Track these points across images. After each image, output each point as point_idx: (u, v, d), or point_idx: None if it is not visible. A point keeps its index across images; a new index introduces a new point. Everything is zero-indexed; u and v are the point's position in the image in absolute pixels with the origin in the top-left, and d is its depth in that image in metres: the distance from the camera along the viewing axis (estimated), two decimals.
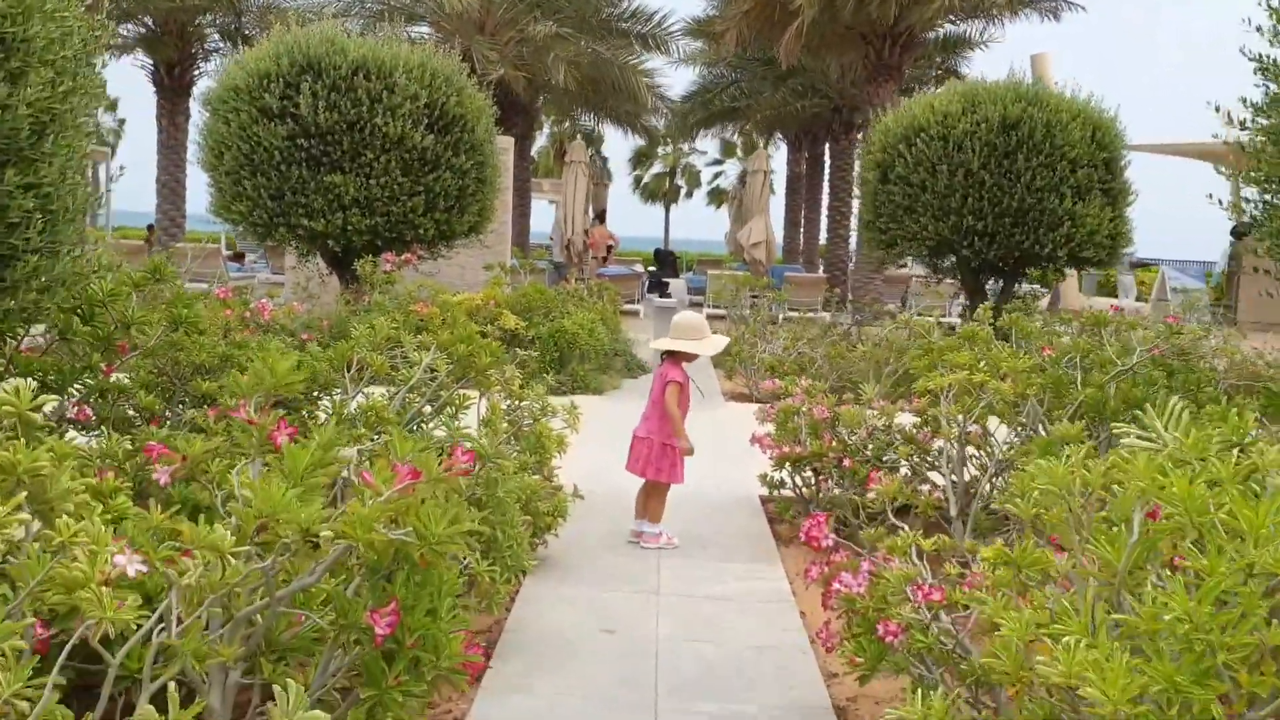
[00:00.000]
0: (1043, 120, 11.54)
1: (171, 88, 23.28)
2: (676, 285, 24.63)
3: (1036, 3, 20.37)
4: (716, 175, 51.82)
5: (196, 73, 23.64)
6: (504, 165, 14.13)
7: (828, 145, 26.82)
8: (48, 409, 2.71)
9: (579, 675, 3.84)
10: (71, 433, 4.09)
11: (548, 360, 10.02)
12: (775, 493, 6.09)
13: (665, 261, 27.30)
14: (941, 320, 13.26)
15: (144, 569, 2.11)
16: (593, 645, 4.10)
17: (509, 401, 5.69)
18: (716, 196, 50.44)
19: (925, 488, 4.69)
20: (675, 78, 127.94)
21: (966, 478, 5.34)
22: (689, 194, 53.29)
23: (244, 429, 2.85)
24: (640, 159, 51.44)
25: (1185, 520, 2.00)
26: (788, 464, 5.67)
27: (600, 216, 19.71)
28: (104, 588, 2.03)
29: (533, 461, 5.28)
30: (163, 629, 2.22)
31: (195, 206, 21.49)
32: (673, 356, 5.49)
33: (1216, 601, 1.82)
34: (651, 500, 5.46)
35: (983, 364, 5.38)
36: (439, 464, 2.56)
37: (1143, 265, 27.19)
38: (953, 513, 4.99)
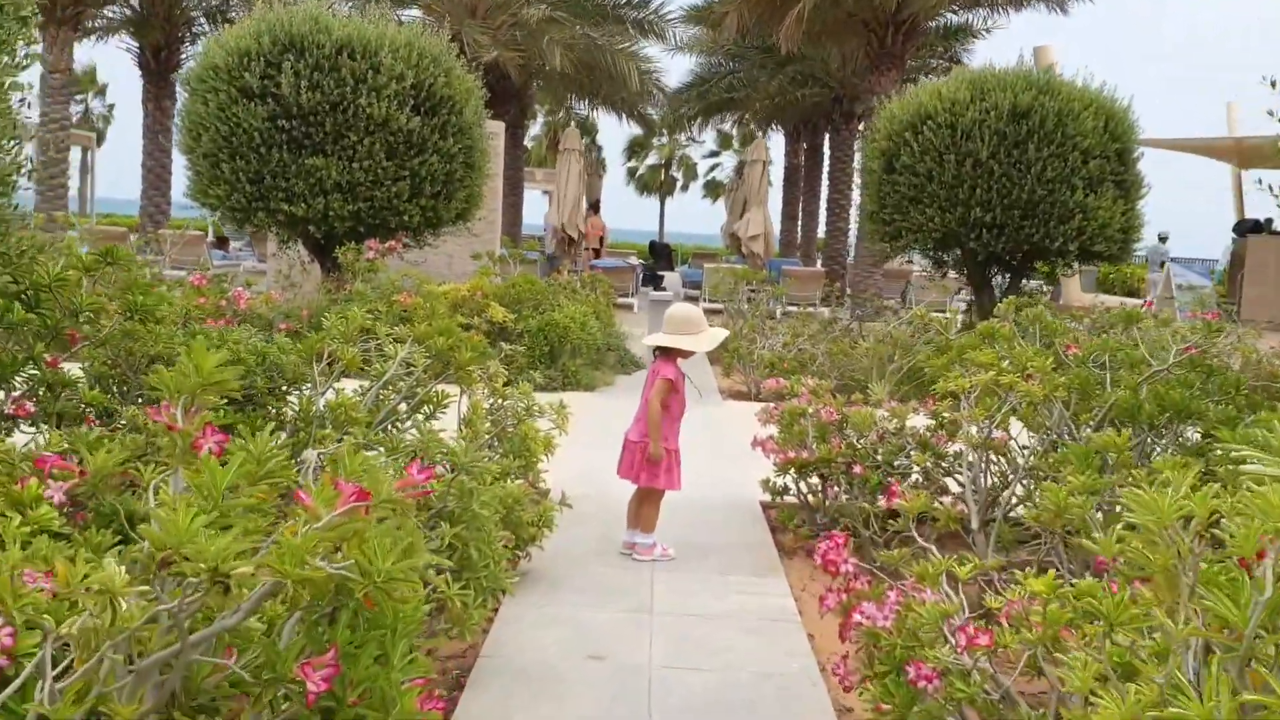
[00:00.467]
0: (1054, 109, 11.13)
1: (158, 71, 22.80)
2: (672, 278, 24.18)
3: None
4: (713, 167, 51.38)
5: (183, 56, 23.15)
6: (494, 150, 13.66)
7: (827, 136, 26.36)
8: None
9: (562, 709, 3.41)
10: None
11: (537, 355, 9.58)
12: (778, 499, 5.67)
13: (660, 254, 26.86)
14: (934, 315, 12.83)
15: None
16: (579, 673, 3.67)
17: (492, 400, 5.26)
18: (713, 189, 49.97)
19: (947, 499, 4.27)
20: (672, 66, 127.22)
21: (987, 484, 4.92)
22: (685, 186, 52.84)
23: (165, 434, 2.41)
24: (635, 150, 50.97)
25: None
26: (792, 469, 5.24)
27: (595, 207, 19.23)
28: None
29: (516, 466, 4.85)
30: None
31: (181, 192, 21.04)
32: (667, 353, 5.05)
33: None
34: (644, 508, 5.03)
35: (1006, 363, 4.96)
36: (393, 481, 2.12)
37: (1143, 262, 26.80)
38: (974, 524, 4.57)
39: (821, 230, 25.60)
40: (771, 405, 5.64)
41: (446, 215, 11.85)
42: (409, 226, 11.67)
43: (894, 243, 12.33)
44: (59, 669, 1.82)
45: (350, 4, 19.13)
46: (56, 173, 19.95)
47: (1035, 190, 11.04)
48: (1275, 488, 1.62)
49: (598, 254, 19.07)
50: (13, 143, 4.06)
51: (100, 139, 49.17)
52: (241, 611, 2.01)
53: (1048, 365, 4.74)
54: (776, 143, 31.68)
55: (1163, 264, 21.87)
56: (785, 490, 5.59)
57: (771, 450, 5.30)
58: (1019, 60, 12.20)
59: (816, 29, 17.72)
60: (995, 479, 5.03)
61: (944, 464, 5.28)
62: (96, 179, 30.39)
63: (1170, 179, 12.17)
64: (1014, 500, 4.75)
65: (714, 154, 50.49)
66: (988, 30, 22.22)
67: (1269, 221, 23.38)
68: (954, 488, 5.53)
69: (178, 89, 17.78)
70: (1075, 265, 12.42)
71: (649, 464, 4.96)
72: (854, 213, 19.97)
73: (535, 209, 29.42)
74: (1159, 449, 5.10)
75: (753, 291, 13.83)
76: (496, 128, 15.13)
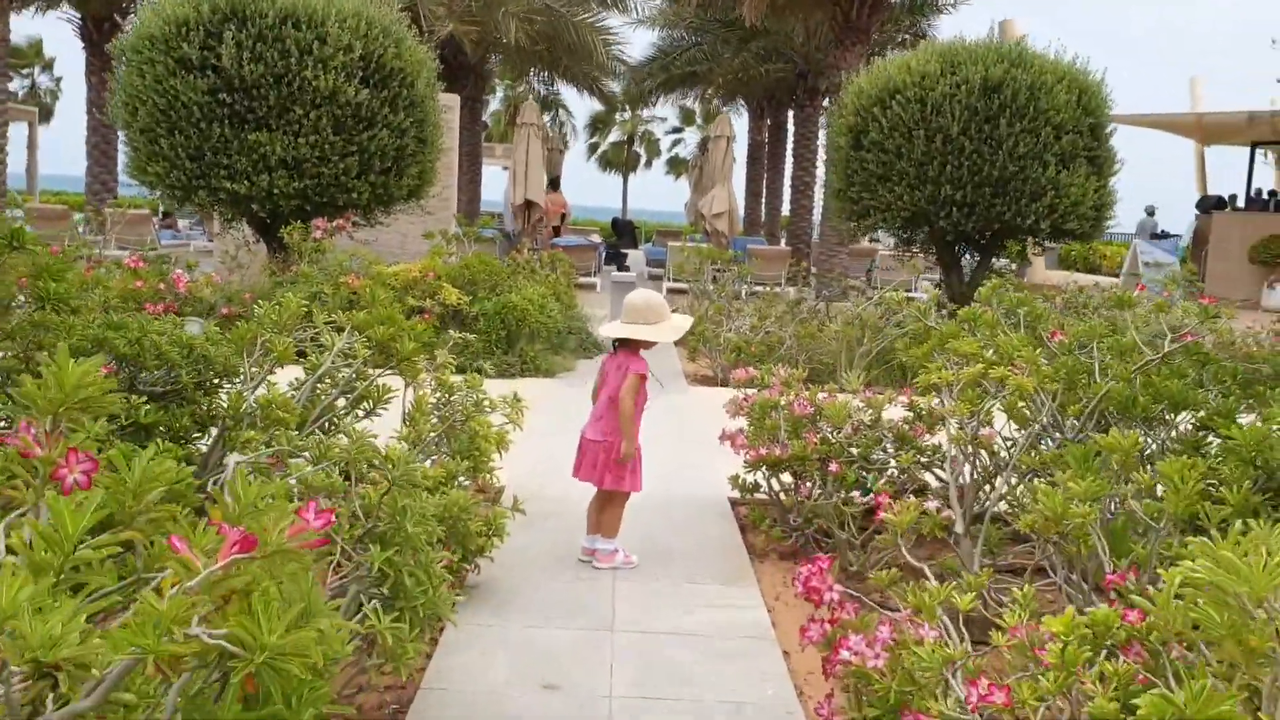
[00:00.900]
0: (1026, 83, 10.82)
1: (100, 43, 21.96)
2: (635, 257, 23.76)
3: None
4: (676, 143, 50.89)
5: (127, 27, 22.32)
6: (448, 125, 13.17)
7: (791, 112, 25.96)
8: None
9: None
10: None
11: (493, 339, 9.15)
12: (748, 495, 5.32)
13: (624, 232, 26.43)
14: (910, 297, 12.53)
15: None
16: (531, 707, 3.29)
17: (438, 394, 4.86)
18: (676, 166, 49.51)
19: (931, 505, 3.93)
20: (634, 39, 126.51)
21: (967, 478, 4.59)
22: (648, 163, 52.35)
23: (18, 461, 2.00)
24: (598, 126, 50.36)
25: None
26: (764, 467, 4.88)
27: (554, 183, 18.71)
28: None
29: (465, 468, 4.46)
30: None
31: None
32: (626, 344, 4.66)
33: None
34: (607, 512, 4.66)
35: (990, 352, 4.62)
36: (287, 524, 1.73)
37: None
38: (959, 528, 4.23)
39: (786, 208, 25.26)
40: (740, 396, 5.27)
41: (398, 192, 11.38)
42: (358, 204, 11.20)
43: (861, 221, 11.99)
44: None
45: None
46: None
47: (1007, 167, 10.73)
48: None
49: (557, 231, 18.57)
50: None
51: (47, 114, 47.85)
52: (95, 695, 1.61)
53: (1037, 356, 4.40)
54: (740, 120, 31.28)
55: (1152, 236, 21.73)
56: (756, 487, 5.23)
57: (741, 446, 4.94)
58: (990, 32, 11.88)
59: (781, 2, 17.31)
60: (978, 474, 4.71)
61: (923, 458, 4.95)
62: (43, 156, 29.45)
63: (1134, 156, 11.86)
64: (999, 499, 4.42)
65: (677, 130, 50.01)
66: (953, 4, 21.91)
67: (1233, 198, 23.35)
68: (932, 481, 5.21)
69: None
70: (1045, 244, 12.17)
71: (615, 466, 4.58)
72: (819, 191, 19.64)
73: (495, 186, 28.85)
74: (1151, 442, 4.81)
75: (718, 271, 13.46)
76: (451, 101, 14.62)
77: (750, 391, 5.27)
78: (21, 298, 4.37)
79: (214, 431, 4.34)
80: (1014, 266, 12.73)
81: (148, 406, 4.12)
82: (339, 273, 9.83)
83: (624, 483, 4.60)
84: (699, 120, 44.59)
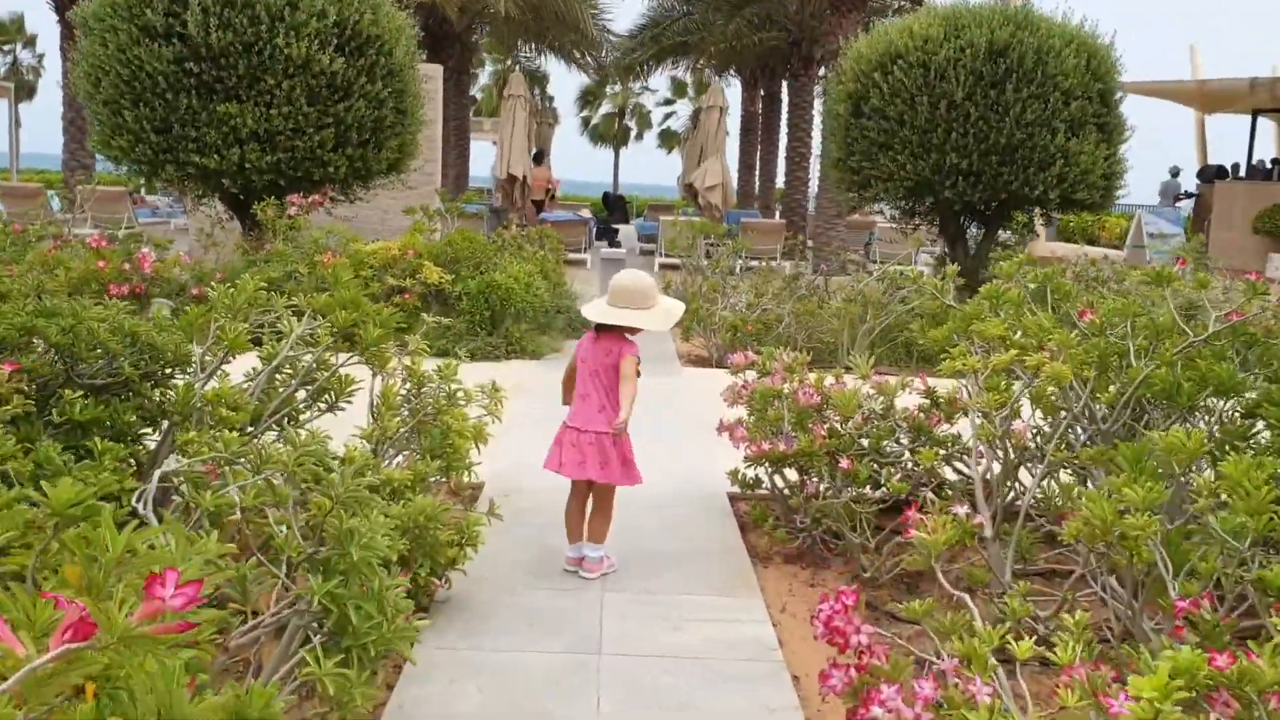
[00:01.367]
0: (1033, 46, 10.33)
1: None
2: (626, 232, 23.24)
3: None
4: (667, 116, 50.16)
5: None
6: (430, 95, 12.64)
7: (785, 82, 25.35)
8: None
9: None
10: None
11: (477, 320, 8.68)
12: (749, 491, 4.88)
13: (614, 206, 25.88)
14: (904, 270, 12.07)
15: None
16: None
17: (408, 385, 4.41)
18: (668, 139, 48.82)
19: (961, 510, 3.46)
20: (622, 9, 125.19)
21: (993, 472, 4.16)
22: (639, 136, 51.62)
23: None
24: (588, 99, 49.63)
25: None
26: (766, 462, 4.44)
27: (539, 157, 18.11)
28: None
29: (436, 468, 4.01)
30: None
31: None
32: (613, 329, 4.19)
33: None
34: (599, 515, 4.20)
35: (1018, 334, 4.18)
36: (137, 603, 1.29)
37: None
38: (988, 532, 3.79)
39: (780, 181, 24.73)
40: (739, 383, 4.82)
41: (377, 166, 10.88)
42: (335, 179, 10.70)
43: (862, 192, 11.51)
44: None
45: None
46: None
47: (1014, 134, 10.26)
48: None
49: (541, 206, 17.98)
50: None
51: (30, 91, 47.00)
52: None
53: (1071, 340, 3.95)
54: (733, 91, 30.67)
55: (1176, 199, 21.16)
56: (758, 483, 4.80)
57: (741, 439, 4.49)
58: None
59: None
60: (1002, 468, 4.27)
61: (942, 450, 4.51)
62: (27, 134, 28.81)
63: (1136, 123, 11.34)
64: (1030, 499, 3.98)
65: (669, 102, 49.28)
66: None
67: (1235, 167, 22.87)
68: (949, 475, 4.78)
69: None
70: (1052, 216, 11.71)
71: (625, 456, 4.16)
72: (814, 162, 19.13)
73: (484, 162, 28.29)
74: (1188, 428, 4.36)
75: (711, 246, 12.99)
76: (433, 70, 14.07)
77: (749, 377, 4.83)
78: None
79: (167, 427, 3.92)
80: (1015, 240, 12.28)
81: (86, 402, 3.68)
82: (315, 251, 9.35)
83: (627, 476, 4.15)
84: (691, 93, 43.92)
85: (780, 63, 24.91)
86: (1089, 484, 4.49)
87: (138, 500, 2.78)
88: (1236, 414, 4.27)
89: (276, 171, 10.15)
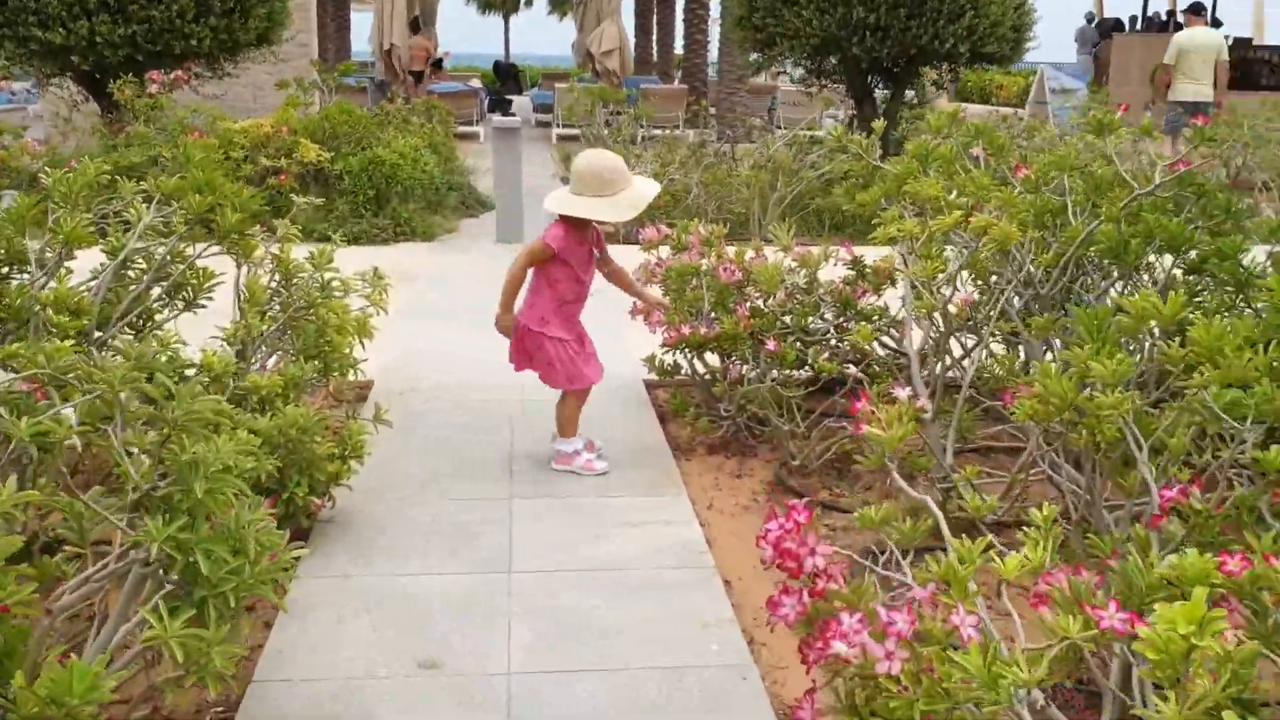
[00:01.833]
0: None
1: None
2: (521, 103, 22.27)
3: None
4: None
5: None
6: None
7: None
8: None
9: None
10: None
11: (361, 200, 8.03)
12: (667, 377, 4.51)
13: (507, 76, 24.81)
14: (813, 134, 11.66)
15: None
16: (400, 707, 2.47)
17: (276, 277, 3.88)
18: (559, 4, 46.96)
19: (903, 393, 3.11)
20: None
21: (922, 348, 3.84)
22: (529, 2, 49.58)
23: None
24: None
25: None
26: (687, 347, 4.05)
27: (415, 25, 16.90)
28: None
29: (312, 370, 3.53)
30: None
31: None
32: (572, 217, 3.73)
33: None
34: (559, 405, 3.96)
35: (954, 195, 3.80)
36: None
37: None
38: (928, 415, 3.47)
39: (679, 45, 23.85)
40: (652, 260, 4.39)
41: (244, 37, 9.98)
42: (199, 53, 9.79)
43: (766, 51, 10.98)
44: None
45: None
46: None
47: None
48: None
49: (420, 78, 16.88)
50: None
51: None
52: None
53: (1015, 198, 3.60)
54: None
55: (1094, 45, 20.90)
56: (676, 369, 4.42)
57: (658, 323, 4.08)
58: None
59: None
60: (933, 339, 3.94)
61: (870, 323, 4.17)
62: None
63: None
64: (972, 374, 3.66)
65: None
66: None
67: (1132, 20, 22.74)
68: (878, 349, 4.45)
69: None
70: (959, 71, 11.35)
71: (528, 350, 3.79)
72: (714, 25, 18.38)
73: (367, 33, 26.71)
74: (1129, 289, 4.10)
75: (611, 114, 12.36)
76: None
77: (663, 254, 4.40)
78: None
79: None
80: (918, 100, 11.92)
81: None
82: (180, 132, 8.54)
83: (555, 377, 3.80)
84: None
85: None
86: (1021, 352, 4.22)
87: None
88: (1178, 271, 4.01)
89: (132, 45, 9.20)
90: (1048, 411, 2.62)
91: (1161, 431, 2.61)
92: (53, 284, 3.43)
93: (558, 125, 15.94)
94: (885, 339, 4.35)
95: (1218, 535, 2.22)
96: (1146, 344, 3.32)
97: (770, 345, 3.82)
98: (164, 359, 3.20)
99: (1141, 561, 1.99)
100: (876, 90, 11.42)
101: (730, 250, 4.25)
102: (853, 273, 4.25)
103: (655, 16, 26.96)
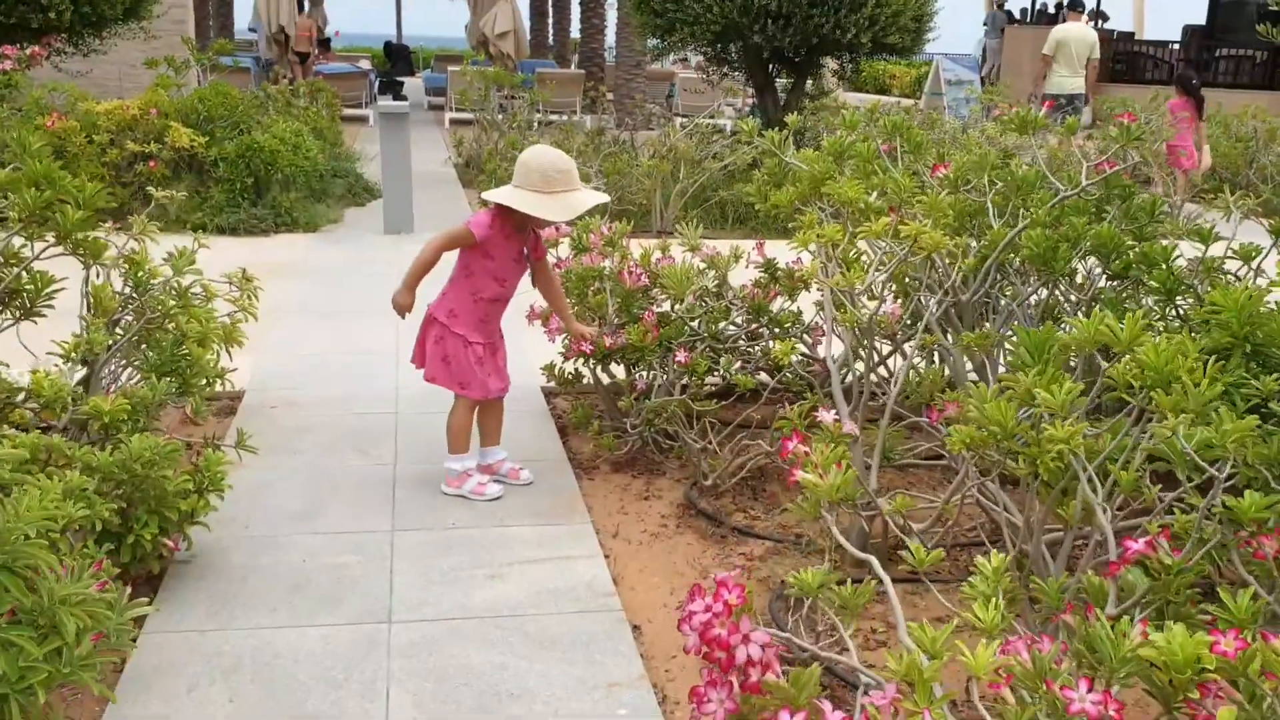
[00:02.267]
0: None
1: None
2: (413, 85, 21.61)
3: None
4: None
5: None
6: None
7: None
8: None
9: None
10: None
11: (238, 189, 7.50)
12: (568, 387, 4.19)
13: (398, 57, 24.05)
14: (714, 124, 11.43)
15: None
16: None
17: (128, 282, 3.44)
18: None
19: (829, 416, 2.85)
20: None
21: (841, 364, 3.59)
22: None
23: None
24: None
25: None
26: (589, 359, 3.73)
27: (301, 3, 16.15)
28: None
29: (165, 390, 3.12)
30: None
31: None
32: (505, 210, 3.36)
33: None
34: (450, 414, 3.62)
35: (875, 196, 3.56)
36: None
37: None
38: (849, 427, 3.21)
39: (575, 29, 23.41)
40: (551, 261, 4.05)
41: (110, 11, 9.29)
42: (58, 27, 9.06)
43: (667, 37, 10.66)
44: None
45: None
46: None
47: None
48: None
49: (305, 58, 16.16)
50: None
51: None
52: None
53: (942, 201, 3.36)
54: None
55: (1002, 30, 21.09)
56: (577, 377, 4.10)
57: (557, 330, 3.75)
58: None
59: None
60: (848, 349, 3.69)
61: (792, 338, 3.92)
62: None
63: None
64: (898, 392, 3.42)
65: None
66: None
67: (1024, 13, 23.10)
68: (793, 359, 4.19)
69: None
70: (860, 61, 11.23)
71: (441, 351, 3.45)
72: (610, 9, 18.03)
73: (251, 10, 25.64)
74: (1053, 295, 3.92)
75: (506, 99, 11.93)
76: None
77: (562, 253, 4.07)
78: None
79: None
80: (817, 91, 11.77)
81: None
82: (36, 113, 7.88)
83: (441, 375, 3.46)
84: None
85: None
86: (937, 361, 4.02)
87: None
88: (1101, 277, 3.85)
89: None
90: (984, 439, 2.39)
91: (1108, 459, 2.39)
92: None
93: (451, 109, 15.42)
94: (799, 345, 4.11)
95: (1186, 593, 1.99)
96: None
97: (681, 356, 3.52)
98: None
99: (1110, 628, 1.75)
100: (778, 80, 11.23)
101: (636, 251, 3.95)
102: (765, 275, 3.99)
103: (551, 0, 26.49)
